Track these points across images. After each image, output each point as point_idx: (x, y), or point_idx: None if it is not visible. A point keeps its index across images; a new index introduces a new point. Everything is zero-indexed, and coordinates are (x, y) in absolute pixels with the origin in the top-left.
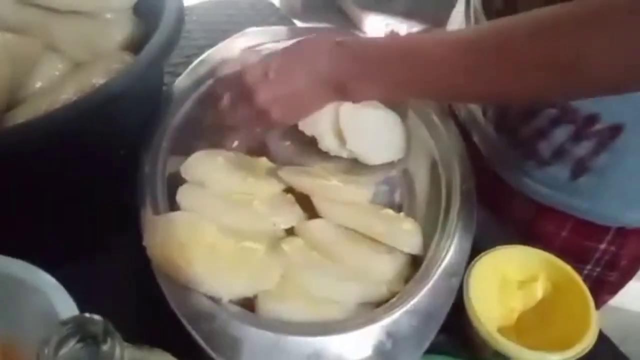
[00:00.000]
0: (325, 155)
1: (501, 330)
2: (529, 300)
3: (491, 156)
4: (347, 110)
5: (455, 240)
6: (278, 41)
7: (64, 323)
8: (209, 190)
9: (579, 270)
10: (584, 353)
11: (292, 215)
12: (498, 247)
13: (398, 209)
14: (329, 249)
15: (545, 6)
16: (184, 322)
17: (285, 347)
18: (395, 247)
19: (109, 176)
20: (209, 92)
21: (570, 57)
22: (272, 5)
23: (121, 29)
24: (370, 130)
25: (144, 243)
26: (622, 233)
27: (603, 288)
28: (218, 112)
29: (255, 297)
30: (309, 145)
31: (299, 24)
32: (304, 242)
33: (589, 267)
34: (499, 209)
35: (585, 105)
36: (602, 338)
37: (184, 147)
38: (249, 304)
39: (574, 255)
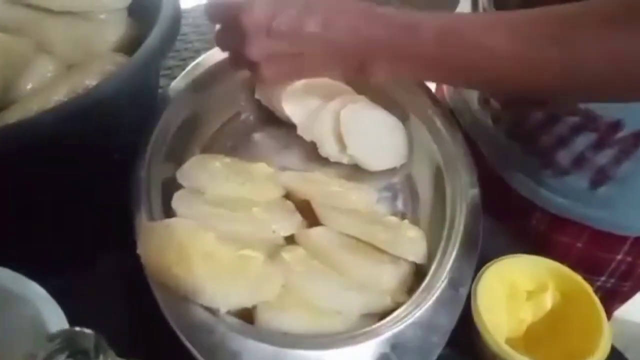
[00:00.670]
0: (325, 161)
1: (510, 341)
2: (538, 311)
3: (500, 164)
4: (348, 114)
5: (462, 249)
6: None
7: (53, 337)
8: (206, 196)
9: (592, 282)
10: None
11: (292, 222)
12: (505, 257)
13: (401, 216)
14: (330, 258)
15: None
16: (181, 335)
17: None
18: (399, 255)
19: (102, 181)
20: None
21: None
22: None
23: (115, 30)
24: (371, 135)
25: (138, 251)
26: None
27: (615, 298)
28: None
29: (254, 307)
30: (309, 151)
31: None
32: (305, 250)
33: (602, 278)
34: (507, 218)
35: (608, 112)
36: (614, 353)
37: (180, 152)
38: (247, 315)
39: (588, 267)
